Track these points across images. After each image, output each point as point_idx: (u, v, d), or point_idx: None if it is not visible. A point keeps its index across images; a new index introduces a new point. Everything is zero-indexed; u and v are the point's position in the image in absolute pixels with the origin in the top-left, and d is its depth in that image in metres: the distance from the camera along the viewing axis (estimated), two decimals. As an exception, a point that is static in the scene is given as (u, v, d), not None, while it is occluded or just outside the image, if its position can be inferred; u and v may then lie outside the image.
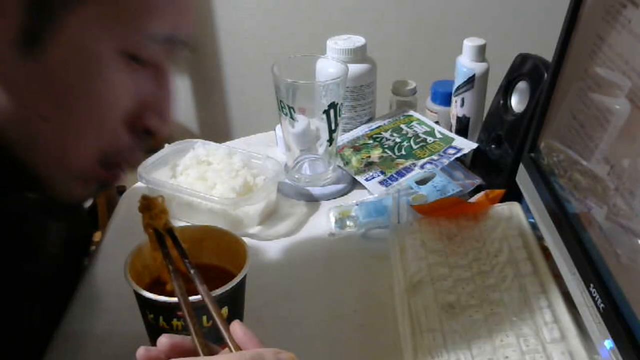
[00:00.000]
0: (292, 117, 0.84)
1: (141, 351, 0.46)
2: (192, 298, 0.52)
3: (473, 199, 0.81)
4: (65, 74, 0.47)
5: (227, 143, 0.96)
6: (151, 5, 0.47)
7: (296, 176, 0.90)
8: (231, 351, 0.46)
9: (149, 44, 0.49)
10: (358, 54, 0.95)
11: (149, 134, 0.53)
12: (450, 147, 0.91)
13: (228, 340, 0.47)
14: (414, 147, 0.93)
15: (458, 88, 0.93)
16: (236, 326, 0.47)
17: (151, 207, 0.57)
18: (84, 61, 0.47)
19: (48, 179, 0.52)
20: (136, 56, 0.49)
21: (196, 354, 0.46)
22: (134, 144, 0.53)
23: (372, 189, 0.87)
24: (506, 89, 0.86)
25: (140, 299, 0.57)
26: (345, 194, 0.89)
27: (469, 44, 0.90)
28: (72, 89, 0.47)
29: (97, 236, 1.83)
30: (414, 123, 0.98)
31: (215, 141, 0.91)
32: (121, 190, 1.03)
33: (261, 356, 0.42)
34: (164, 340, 0.46)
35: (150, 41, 0.48)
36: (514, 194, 0.78)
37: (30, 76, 0.46)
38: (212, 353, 0.47)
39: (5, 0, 0.43)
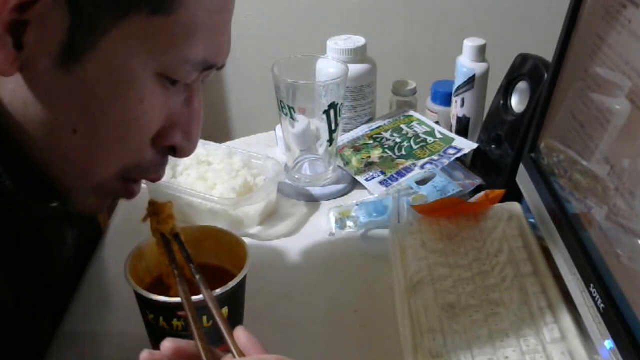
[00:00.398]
0: (292, 117, 0.84)
1: (145, 355, 0.46)
2: (193, 298, 0.52)
3: (473, 199, 0.81)
4: (100, 90, 0.47)
5: (227, 143, 0.96)
6: (190, 30, 0.48)
7: (296, 176, 0.90)
8: (234, 357, 0.46)
9: (185, 67, 0.49)
10: (358, 54, 0.95)
11: (173, 152, 0.54)
12: (450, 147, 0.91)
13: (231, 346, 0.47)
14: (414, 147, 0.93)
15: (458, 88, 0.93)
16: (240, 332, 0.47)
17: (158, 212, 0.57)
18: (120, 79, 0.47)
19: (68, 190, 0.52)
20: (171, 78, 0.49)
21: (199, 359, 0.46)
22: (157, 161, 0.54)
23: (372, 189, 0.87)
24: (506, 89, 0.86)
25: (140, 299, 0.57)
26: (345, 194, 0.89)
27: (469, 44, 0.90)
28: (105, 105, 0.47)
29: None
30: (414, 123, 0.98)
31: (215, 141, 0.91)
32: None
33: None
34: (167, 344, 0.46)
35: (186, 65, 0.49)
36: (514, 194, 0.78)
37: (66, 89, 0.46)
38: (215, 358, 0.47)
39: (52, 15, 0.43)
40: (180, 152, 0.54)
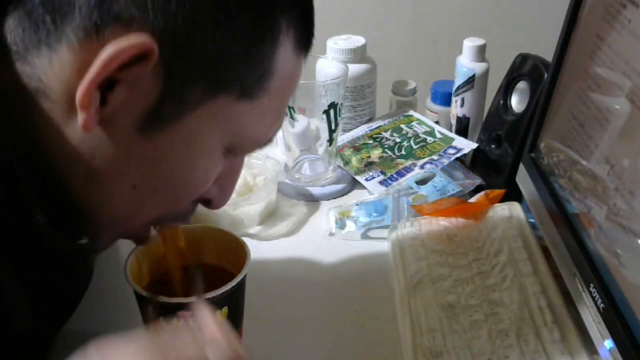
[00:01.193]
0: (292, 117, 0.84)
1: None
2: (191, 299, 0.52)
3: (473, 199, 0.81)
4: (173, 157, 0.47)
5: (227, 143, 0.96)
6: (267, 114, 0.50)
7: (296, 176, 0.90)
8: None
9: (253, 146, 0.52)
10: (358, 54, 0.95)
11: (206, 203, 0.55)
12: (450, 147, 0.91)
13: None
14: (414, 147, 0.93)
15: (458, 88, 0.93)
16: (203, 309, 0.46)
17: None
18: (195, 151, 0.48)
19: (99, 231, 0.52)
20: (235, 151, 0.51)
21: None
22: (189, 211, 0.55)
23: (372, 189, 0.87)
24: (506, 89, 0.86)
25: (140, 298, 0.57)
26: (345, 194, 0.89)
27: (469, 44, 0.90)
28: (173, 171, 0.48)
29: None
30: (414, 123, 0.98)
31: (215, 141, 0.91)
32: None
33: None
34: None
35: (255, 144, 0.52)
36: (514, 194, 0.78)
37: (139, 150, 0.46)
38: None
39: (145, 80, 0.43)
40: (213, 204, 0.55)
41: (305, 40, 0.51)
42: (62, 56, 0.43)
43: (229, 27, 0.44)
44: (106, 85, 0.43)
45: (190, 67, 0.44)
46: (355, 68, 0.93)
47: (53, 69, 0.43)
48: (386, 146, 0.94)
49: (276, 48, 0.47)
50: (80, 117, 0.43)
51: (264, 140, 0.53)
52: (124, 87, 0.43)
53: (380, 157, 0.92)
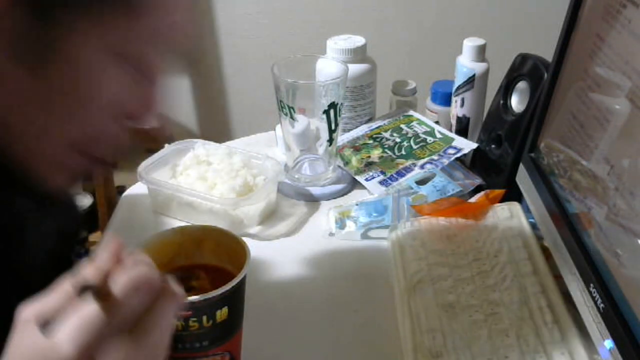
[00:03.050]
0: (292, 117, 0.84)
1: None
2: (192, 299, 0.52)
3: (473, 199, 0.81)
4: (60, 85, 0.47)
5: (227, 143, 0.96)
6: (147, 8, 0.48)
7: (296, 176, 0.90)
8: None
9: (144, 46, 0.49)
10: (358, 54, 0.95)
11: (134, 121, 0.53)
12: (450, 147, 0.91)
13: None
14: (414, 147, 0.93)
15: (458, 88, 0.93)
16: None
17: None
18: (81, 71, 0.47)
19: (26, 169, 0.51)
20: (128, 57, 0.49)
21: None
22: (119, 132, 0.53)
23: (372, 189, 0.87)
24: (506, 89, 0.86)
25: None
26: (345, 194, 0.89)
27: (469, 44, 0.90)
28: (63, 96, 0.48)
29: (97, 236, 1.83)
30: (414, 123, 0.98)
31: (215, 141, 0.91)
32: (121, 191, 1.03)
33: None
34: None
35: (145, 43, 0.49)
36: (514, 194, 0.78)
37: (24, 86, 0.46)
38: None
39: (9, 12, 0.43)
40: (136, 118, 0.53)
41: None
42: None
43: None
44: None
45: None
46: (355, 68, 0.93)
47: None
48: (386, 146, 0.94)
49: None
50: None
51: (158, 39, 0.50)
52: None
53: (380, 157, 0.92)
